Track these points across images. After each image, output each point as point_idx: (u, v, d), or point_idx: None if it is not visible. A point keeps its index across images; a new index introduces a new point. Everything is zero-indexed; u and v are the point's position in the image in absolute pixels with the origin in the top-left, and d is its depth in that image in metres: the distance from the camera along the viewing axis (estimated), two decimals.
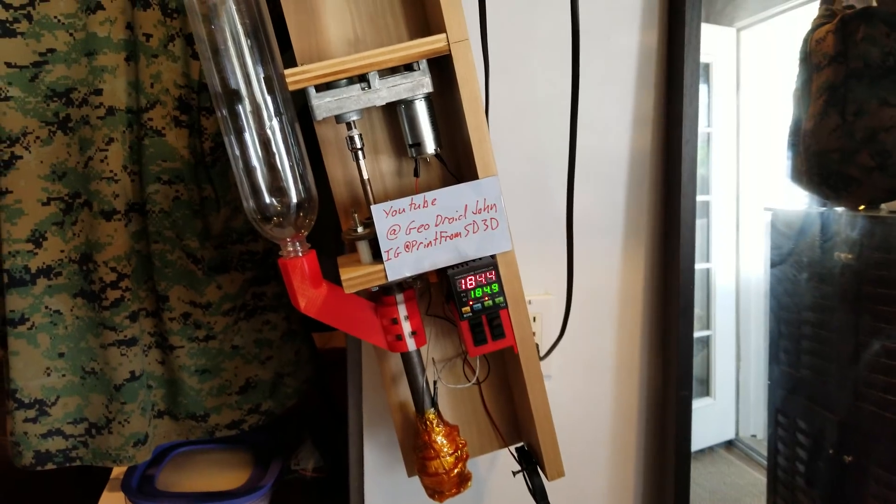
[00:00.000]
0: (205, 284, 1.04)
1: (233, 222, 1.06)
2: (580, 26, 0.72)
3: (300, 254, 0.72)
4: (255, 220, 0.73)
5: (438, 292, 0.82)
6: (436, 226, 0.71)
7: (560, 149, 0.94)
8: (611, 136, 0.94)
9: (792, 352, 1.07)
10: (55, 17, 0.94)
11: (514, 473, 0.85)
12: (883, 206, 1.01)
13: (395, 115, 0.77)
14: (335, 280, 0.75)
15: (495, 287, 0.71)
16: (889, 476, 0.91)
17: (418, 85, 0.70)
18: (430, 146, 0.73)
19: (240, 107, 0.70)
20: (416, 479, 0.90)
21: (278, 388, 1.15)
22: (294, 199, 0.72)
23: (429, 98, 0.73)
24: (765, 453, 1.14)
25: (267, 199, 0.72)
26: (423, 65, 0.70)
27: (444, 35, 0.68)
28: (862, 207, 1.01)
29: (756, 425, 1.17)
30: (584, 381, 1.02)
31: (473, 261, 0.72)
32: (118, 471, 1.32)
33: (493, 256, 0.73)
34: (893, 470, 0.90)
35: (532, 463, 0.83)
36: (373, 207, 0.70)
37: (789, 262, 1.07)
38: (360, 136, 0.72)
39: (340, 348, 1.75)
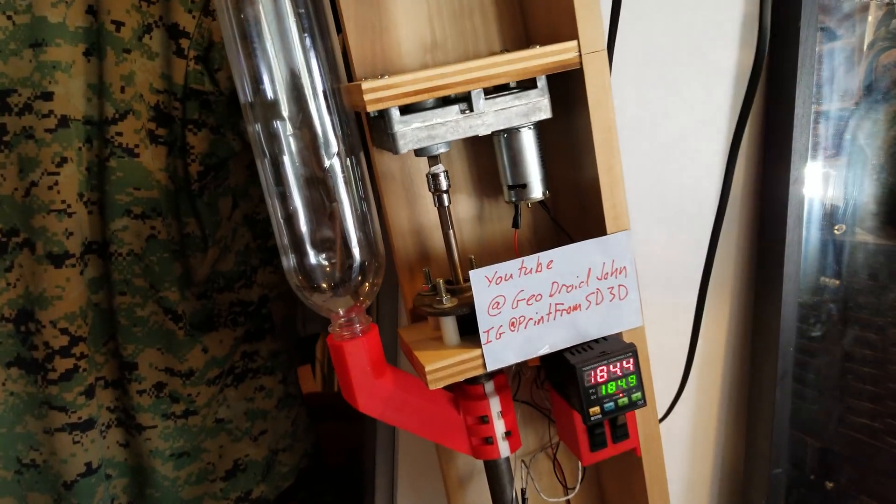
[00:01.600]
0: (187, 348, 0.81)
1: (221, 265, 0.83)
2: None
3: (358, 331, 0.53)
4: (298, 286, 0.53)
5: (526, 372, 0.64)
6: (550, 296, 0.53)
7: (640, 180, 0.77)
8: (700, 169, 0.79)
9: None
10: None
11: None
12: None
13: (481, 143, 0.58)
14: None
15: (633, 380, 0.54)
16: (872, 502, 0.86)
17: (535, 108, 0.52)
18: (537, 189, 0.55)
19: (287, 129, 0.51)
20: None
21: (272, 469, 0.93)
22: (357, 258, 0.52)
23: (538, 127, 0.55)
24: None
25: (316, 258, 0.52)
26: (543, 82, 0.51)
27: (574, 43, 0.50)
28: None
29: None
30: None
31: (596, 342, 0.55)
32: None
33: (619, 335, 0.56)
34: (876, 496, 0.85)
35: None
36: (473, 274, 0.51)
37: None
38: (446, 173, 0.53)
39: (320, 393, 1.53)
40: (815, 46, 0.73)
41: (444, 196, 0.53)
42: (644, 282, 0.74)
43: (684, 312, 0.81)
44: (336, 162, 0.51)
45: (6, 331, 0.77)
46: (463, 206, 0.60)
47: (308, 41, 0.49)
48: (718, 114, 0.77)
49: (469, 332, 0.54)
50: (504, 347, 0.53)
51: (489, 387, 0.57)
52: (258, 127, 0.51)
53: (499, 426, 0.57)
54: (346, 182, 0.52)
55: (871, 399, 0.86)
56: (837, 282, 0.87)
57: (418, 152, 0.53)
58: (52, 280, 0.75)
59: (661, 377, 0.82)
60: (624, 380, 0.53)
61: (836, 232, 0.88)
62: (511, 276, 0.52)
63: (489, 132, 0.51)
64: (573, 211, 0.59)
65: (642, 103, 0.75)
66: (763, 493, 0.83)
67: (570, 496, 0.68)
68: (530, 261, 0.52)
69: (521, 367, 0.63)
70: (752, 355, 0.84)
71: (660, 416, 0.71)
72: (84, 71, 0.74)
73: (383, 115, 0.50)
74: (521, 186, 0.55)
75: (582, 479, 0.67)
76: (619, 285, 0.55)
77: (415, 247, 0.59)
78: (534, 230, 0.62)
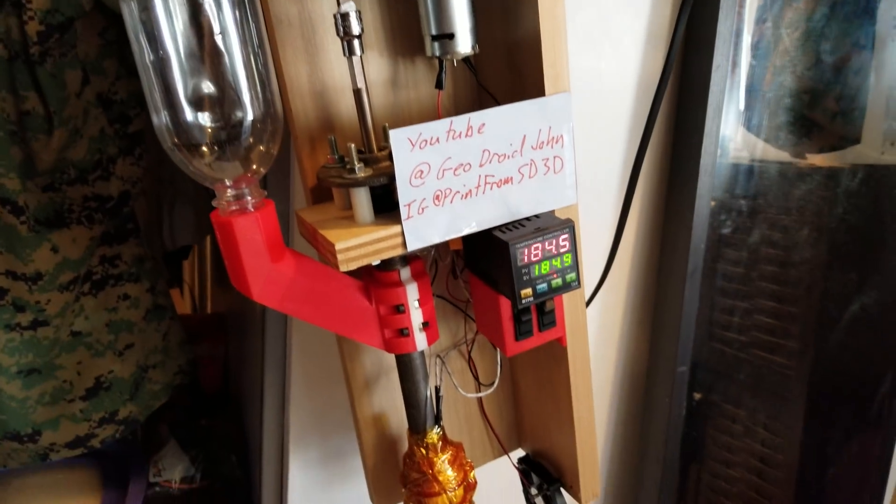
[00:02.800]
0: (32, 246, 0.68)
1: (71, 152, 0.70)
2: None
3: (250, 206, 0.44)
4: (172, 147, 0.43)
5: (446, 262, 0.58)
6: (480, 166, 0.47)
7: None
8: (618, 55, 0.74)
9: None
10: None
11: (531, 495, 0.64)
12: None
13: None
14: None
15: (568, 259, 0.48)
16: (734, 410, 0.91)
17: None
18: (465, 42, 0.48)
19: None
20: None
21: (142, 387, 0.82)
22: (249, 114, 0.43)
23: None
24: None
25: (198, 113, 0.42)
26: None
27: None
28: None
29: None
30: None
31: (528, 220, 0.49)
32: None
33: (552, 212, 0.50)
34: (738, 404, 0.90)
35: (550, 479, 0.64)
36: (393, 135, 0.43)
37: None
38: (359, 14, 0.44)
39: (202, 313, 1.41)
40: None
41: (356, 42, 0.44)
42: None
43: (594, 203, 0.78)
44: None
45: None
46: (374, 68, 0.51)
47: None
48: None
49: (384, 209, 0.47)
50: (427, 224, 0.46)
51: (405, 273, 0.50)
52: None
53: (416, 316, 0.50)
54: (234, 16, 0.41)
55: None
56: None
57: None
58: None
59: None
60: (559, 258, 0.48)
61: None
62: (437, 139, 0.45)
63: None
64: (500, 76, 0.52)
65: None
66: (667, 390, 0.83)
67: (484, 393, 0.64)
68: (460, 122, 0.45)
69: (438, 253, 0.56)
70: (661, 252, 0.82)
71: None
72: None
73: None
74: (447, 37, 0.47)
75: (500, 373, 0.62)
76: (555, 156, 0.49)
77: (317, 111, 0.50)
78: (454, 99, 0.55)
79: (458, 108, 0.55)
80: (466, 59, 0.50)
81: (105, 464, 0.92)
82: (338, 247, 0.44)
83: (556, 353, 0.56)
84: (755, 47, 0.93)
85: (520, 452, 0.68)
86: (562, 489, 0.63)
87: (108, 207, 0.74)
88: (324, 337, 0.66)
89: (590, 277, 0.71)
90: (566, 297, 0.53)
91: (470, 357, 0.61)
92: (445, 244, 0.55)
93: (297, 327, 0.67)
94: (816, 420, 0.86)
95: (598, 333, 0.84)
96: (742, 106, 0.88)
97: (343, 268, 0.44)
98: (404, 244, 0.45)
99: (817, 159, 0.90)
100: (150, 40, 0.41)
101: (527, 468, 0.66)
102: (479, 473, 0.72)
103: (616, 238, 0.66)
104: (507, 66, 0.51)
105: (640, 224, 0.81)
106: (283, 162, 0.59)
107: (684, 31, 0.73)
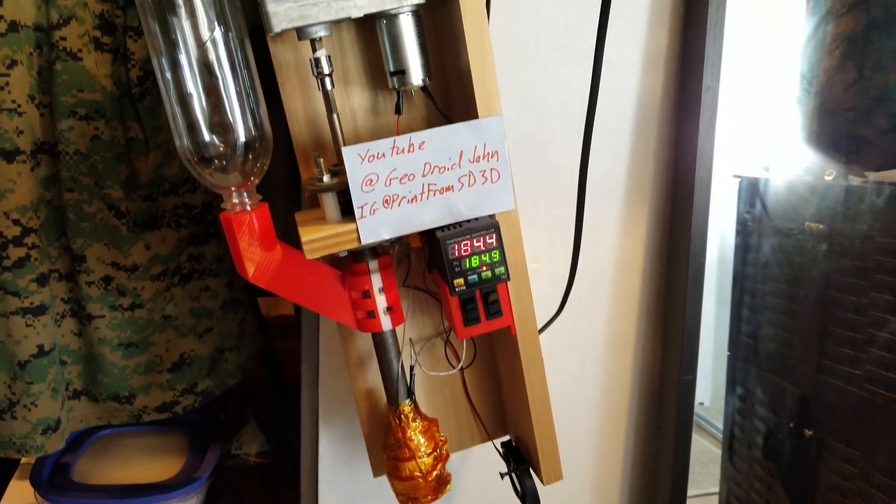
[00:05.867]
0: (130, 243, 0.87)
1: (165, 169, 0.88)
2: None
3: (248, 207, 0.57)
4: (190, 162, 0.57)
5: (419, 258, 0.68)
6: (423, 176, 0.57)
7: (556, 91, 0.80)
8: (615, 78, 0.81)
9: (754, 322, 1.01)
10: None
11: (503, 475, 0.72)
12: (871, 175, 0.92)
13: (373, 35, 0.61)
14: (292, 242, 0.61)
15: (496, 255, 0.57)
16: (849, 451, 0.86)
17: None
18: (417, 75, 0.58)
19: (172, 16, 0.54)
20: (382, 479, 0.76)
21: (218, 365, 0.99)
22: (241, 137, 0.56)
23: (417, 13, 0.57)
24: (713, 421, 1.12)
25: (206, 136, 0.56)
26: None
27: None
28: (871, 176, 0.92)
29: (704, 393, 1.14)
30: (571, 362, 0.90)
31: (468, 221, 0.58)
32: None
33: (492, 216, 0.59)
34: (854, 445, 0.85)
35: (523, 462, 0.71)
36: (344, 150, 0.54)
37: (755, 231, 1.00)
38: (329, 58, 0.56)
39: (291, 316, 1.59)
40: None
41: (327, 80, 0.57)
42: (569, 192, 0.78)
43: (601, 219, 0.84)
44: (219, 39, 0.54)
45: None
46: (357, 98, 0.63)
47: None
48: (634, 22, 0.79)
49: (350, 211, 0.58)
50: (378, 223, 0.57)
51: (373, 265, 0.61)
52: (153, 24, 0.55)
53: (380, 300, 0.61)
54: (231, 62, 0.55)
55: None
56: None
57: (300, 35, 0.56)
58: (4, 174, 0.80)
59: (588, 282, 0.86)
60: (487, 254, 0.57)
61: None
62: (383, 154, 0.56)
63: (361, 14, 0.54)
64: (459, 100, 0.62)
65: (559, 9, 0.77)
66: (674, 399, 0.86)
67: (451, 371, 0.72)
68: (402, 140, 0.55)
69: (407, 250, 0.67)
70: (667, 264, 0.87)
71: (556, 311, 0.75)
72: None
73: None
74: (401, 72, 0.58)
75: (474, 359, 0.71)
76: (492, 169, 0.58)
77: (310, 133, 0.63)
78: (426, 121, 0.65)
79: (430, 125, 0.65)
80: (424, 88, 0.61)
81: (193, 433, 1.10)
82: (303, 239, 0.56)
83: (510, 342, 0.64)
84: (802, 62, 0.95)
85: (506, 439, 0.76)
86: (530, 470, 0.70)
87: (193, 214, 0.92)
88: None
89: (579, 283, 0.78)
90: (512, 289, 0.61)
91: (447, 340, 0.70)
92: (408, 242, 0.66)
93: (324, 327, 0.79)
94: None
95: (610, 345, 0.90)
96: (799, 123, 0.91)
97: (308, 256, 0.56)
98: (359, 238, 0.57)
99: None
100: (175, 85, 0.56)
101: (507, 452, 0.73)
102: (471, 455, 0.81)
103: (575, 249, 0.72)
104: (459, 93, 0.61)
105: (650, 236, 0.86)
106: (294, 176, 0.73)
107: (679, 54, 0.78)
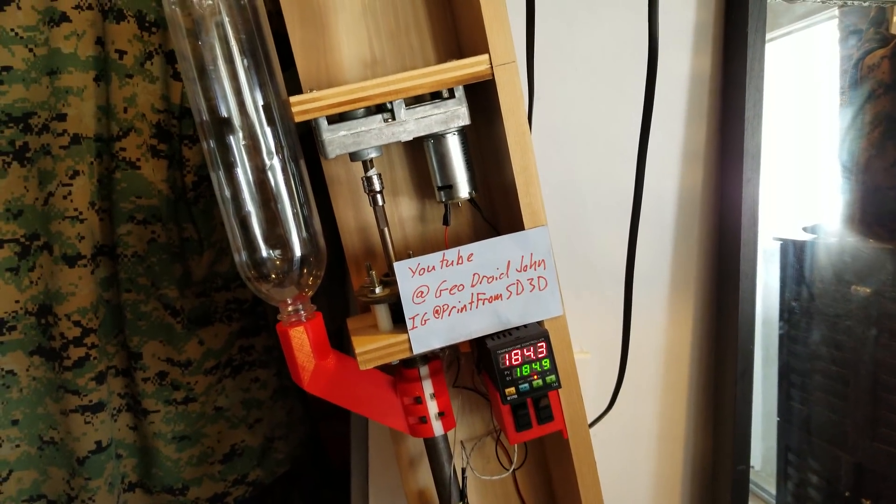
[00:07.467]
0: (184, 340, 0.90)
1: (217, 267, 0.92)
2: (652, 47, 0.60)
3: (303, 318, 0.59)
4: (248, 278, 0.59)
5: (468, 360, 0.69)
6: (472, 286, 0.58)
7: (598, 184, 0.82)
8: (657, 172, 0.82)
9: (804, 387, 1.01)
10: (12, 30, 0.80)
11: None
12: None
13: (420, 150, 0.64)
14: (340, 345, 0.62)
15: (546, 363, 0.58)
16: None
17: (453, 116, 0.57)
18: (463, 189, 0.61)
19: (231, 139, 0.57)
20: None
21: (268, 455, 1.00)
22: (297, 252, 0.58)
23: (463, 131, 0.60)
24: (764, 486, 1.09)
25: (264, 253, 0.58)
26: (460, 92, 0.57)
27: (486, 56, 0.55)
28: None
29: (755, 457, 1.11)
30: (623, 451, 0.89)
31: (517, 329, 0.59)
32: None
33: (540, 324, 0.60)
34: None
35: None
36: (396, 265, 0.57)
37: (802, 295, 1.01)
38: (380, 176, 0.59)
39: None
40: (762, 51, 0.76)
41: (378, 196, 0.59)
42: (612, 281, 0.79)
43: (646, 310, 0.84)
44: (276, 165, 0.57)
45: (29, 323, 0.86)
46: (406, 208, 0.66)
47: (248, 64, 0.56)
48: (670, 117, 0.81)
49: (402, 320, 0.60)
50: (429, 333, 0.58)
51: (424, 371, 0.62)
52: (212, 144, 0.58)
53: (431, 406, 0.62)
54: (287, 184, 0.58)
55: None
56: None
57: (353, 157, 0.59)
58: (67, 278, 0.84)
59: (636, 372, 0.86)
60: (538, 363, 0.58)
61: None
62: (433, 267, 0.57)
63: (411, 138, 0.57)
64: (504, 209, 0.64)
65: (593, 104, 0.79)
66: (728, 489, 0.85)
67: (503, 475, 0.72)
68: (451, 254, 0.57)
69: (458, 354, 0.68)
70: (715, 354, 0.86)
71: (605, 408, 0.75)
72: (94, 94, 0.84)
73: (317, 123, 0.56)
74: (448, 187, 0.61)
75: (525, 460, 0.71)
76: (539, 277, 0.59)
77: (361, 244, 0.65)
78: (473, 228, 0.67)
79: (477, 235, 0.68)
80: (472, 200, 0.63)
81: None
82: (357, 350, 0.58)
83: (562, 443, 0.64)
84: (840, 150, 0.97)
85: None
86: None
87: (244, 308, 0.95)
88: None
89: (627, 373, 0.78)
90: (563, 395, 0.62)
91: (498, 441, 0.71)
92: (458, 347, 0.67)
93: (373, 432, 0.81)
94: None
95: (661, 434, 0.89)
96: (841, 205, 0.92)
97: (362, 367, 0.58)
98: (410, 349, 0.58)
99: None
100: (234, 205, 0.59)
101: None
102: None
103: (624, 340, 0.72)
104: (505, 203, 0.63)
105: (697, 322, 0.86)
106: (343, 274, 0.75)
107: (718, 148, 0.80)
